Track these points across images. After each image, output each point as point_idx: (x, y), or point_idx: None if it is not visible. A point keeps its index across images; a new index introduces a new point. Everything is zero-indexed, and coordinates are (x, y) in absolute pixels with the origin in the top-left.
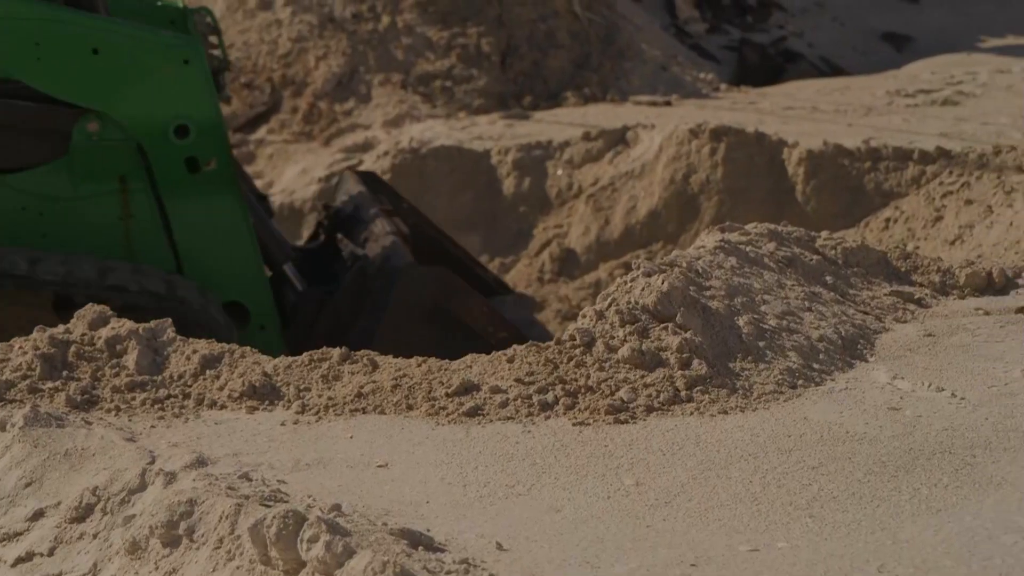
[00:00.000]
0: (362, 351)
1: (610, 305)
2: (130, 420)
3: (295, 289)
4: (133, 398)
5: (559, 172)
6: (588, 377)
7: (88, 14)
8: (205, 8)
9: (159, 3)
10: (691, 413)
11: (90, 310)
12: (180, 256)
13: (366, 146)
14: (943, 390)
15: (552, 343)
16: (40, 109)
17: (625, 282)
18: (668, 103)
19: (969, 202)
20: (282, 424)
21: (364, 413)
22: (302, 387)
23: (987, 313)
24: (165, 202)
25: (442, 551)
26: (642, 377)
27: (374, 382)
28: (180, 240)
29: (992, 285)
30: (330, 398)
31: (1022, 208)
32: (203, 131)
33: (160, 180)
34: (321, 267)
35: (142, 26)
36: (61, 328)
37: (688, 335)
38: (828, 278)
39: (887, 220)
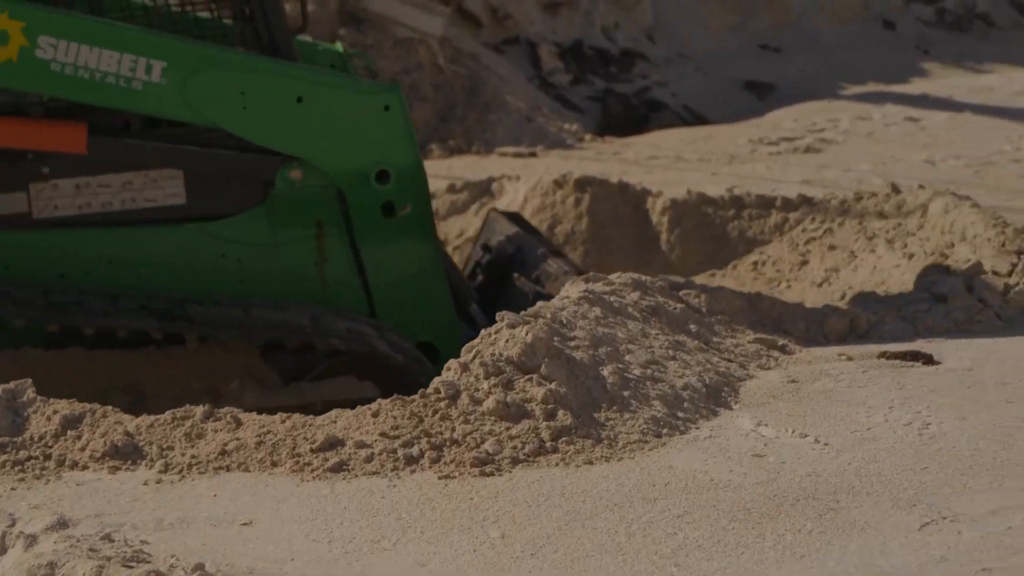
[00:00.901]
0: (225, 408)
1: (474, 357)
2: None
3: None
4: None
5: None
6: (453, 430)
7: (290, 63)
8: (362, 52)
9: (320, 47)
10: (556, 464)
11: None
12: (374, 299)
13: None
14: (806, 436)
15: (417, 396)
16: (242, 157)
17: (489, 334)
18: (533, 154)
19: (832, 247)
20: (145, 483)
21: (228, 471)
22: (165, 446)
23: (850, 359)
24: (360, 246)
25: None
26: (507, 429)
27: (238, 439)
28: (374, 284)
29: (855, 331)
30: (193, 456)
31: (884, 253)
32: (403, 176)
33: (357, 225)
34: (498, 307)
35: (343, 74)
36: None
37: (553, 386)
38: (692, 326)
39: (755, 263)
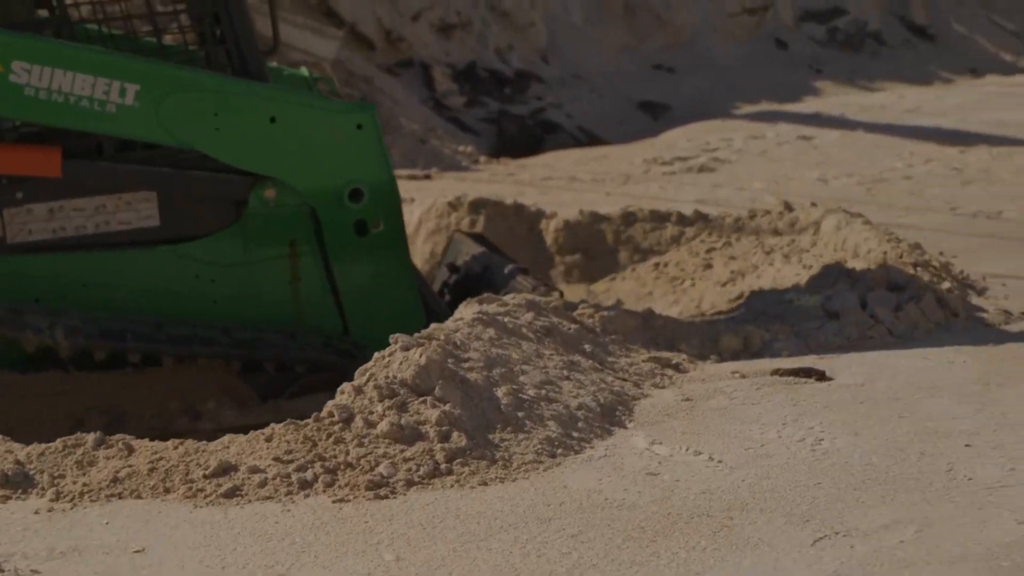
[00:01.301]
0: (118, 435)
1: (368, 380)
2: None
3: None
4: None
5: None
6: (347, 453)
7: (262, 84)
8: (327, 77)
9: (285, 72)
10: (451, 486)
11: None
12: (347, 318)
13: None
14: (700, 454)
15: (311, 420)
16: (216, 178)
17: (383, 356)
18: (428, 176)
19: (733, 258)
20: (36, 512)
21: (120, 498)
22: (56, 474)
23: (744, 376)
24: (333, 265)
25: None
26: (401, 452)
27: (130, 466)
28: (347, 302)
29: (748, 348)
30: (85, 484)
31: (783, 265)
32: (376, 194)
33: (330, 243)
34: None
35: (314, 94)
36: None
37: (447, 408)
38: (586, 346)
39: (656, 264)
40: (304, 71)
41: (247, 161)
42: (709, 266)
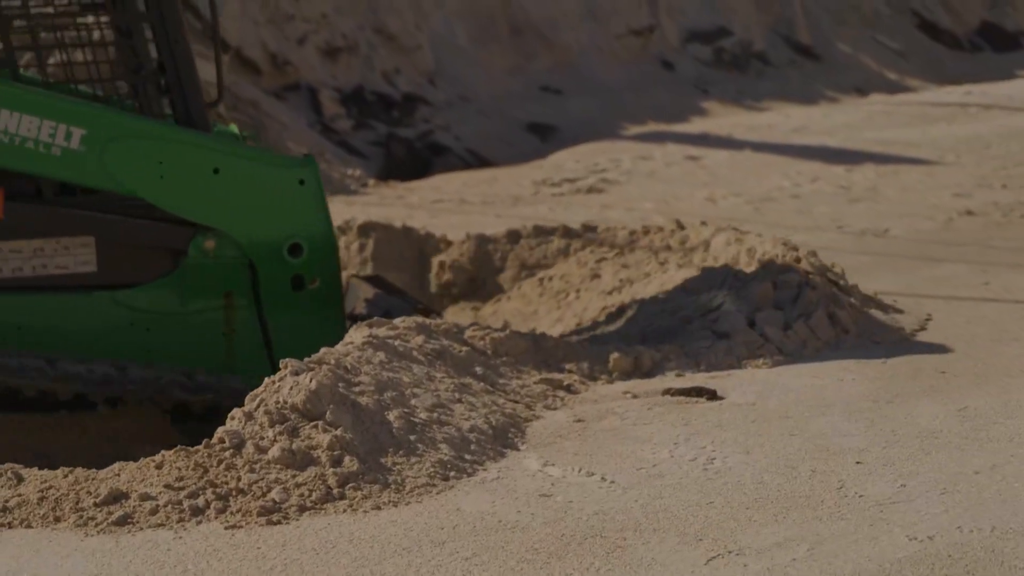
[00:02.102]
0: (6, 464)
1: (259, 406)
2: None
3: None
4: None
5: None
6: (239, 479)
7: (207, 135)
8: (255, 134)
9: (216, 128)
10: (344, 511)
11: None
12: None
13: None
14: (593, 474)
15: (201, 447)
16: (156, 226)
17: (273, 382)
18: None
19: (625, 266)
20: None
21: (10, 528)
22: None
23: (635, 396)
24: (267, 318)
25: None
26: (293, 477)
27: (19, 495)
28: (279, 355)
29: (640, 368)
30: None
31: (676, 273)
32: (315, 250)
33: (265, 297)
34: None
35: (258, 147)
36: None
37: (338, 432)
38: (478, 369)
39: (541, 280)
40: (234, 127)
41: (189, 211)
42: (597, 276)
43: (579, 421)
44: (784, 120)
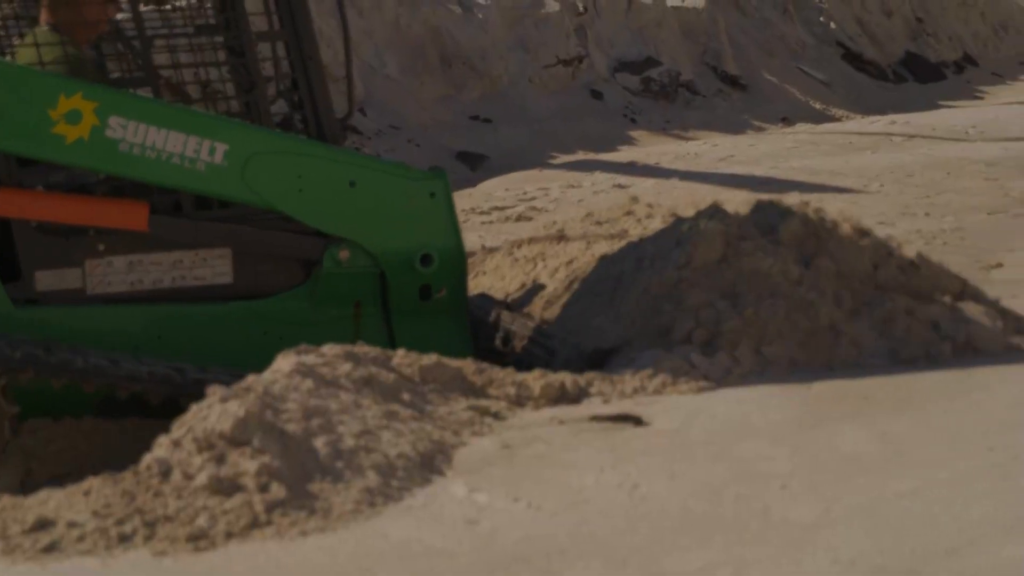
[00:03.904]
0: None
1: (186, 433)
2: None
3: None
4: None
5: None
6: (166, 506)
7: (341, 148)
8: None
9: None
10: (271, 537)
11: None
12: None
13: None
14: (519, 500)
15: (128, 474)
16: (292, 238)
17: (200, 408)
18: None
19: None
20: None
21: None
22: None
23: (562, 422)
24: (395, 327)
25: None
26: (221, 503)
27: None
28: None
29: (566, 395)
30: None
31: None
32: (445, 260)
33: (394, 306)
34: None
35: (392, 161)
36: None
37: (265, 459)
38: (405, 395)
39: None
40: None
41: (326, 223)
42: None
43: (506, 447)
44: (711, 149)
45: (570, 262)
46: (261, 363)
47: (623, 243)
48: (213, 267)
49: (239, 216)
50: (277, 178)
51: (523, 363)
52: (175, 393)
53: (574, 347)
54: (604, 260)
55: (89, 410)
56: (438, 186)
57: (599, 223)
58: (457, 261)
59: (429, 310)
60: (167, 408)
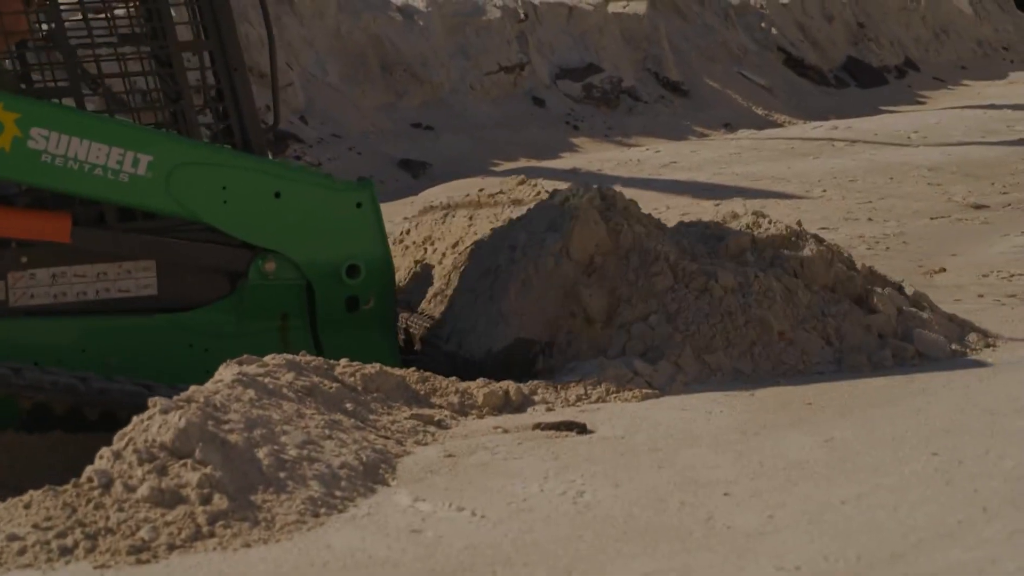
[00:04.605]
0: None
1: (127, 444)
2: None
3: None
4: None
5: None
6: (108, 519)
7: (267, 159)
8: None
9: None
10: (214, 548)
11: None
12: None
13: None
14: (463, 509)
15: (69, 486)
16: (217, 249)
17: (142, 420)
18: None
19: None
20: None
21: None
22: None
23: (506, 431)
24: (322, 339)
25: None
26: (163, 515)
27: None
28: None
29: (509, 403)
30: None
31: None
32: (372, 271)
33: (320, 318)
34: None
35: (317, 171)
36: None
37: (208, 470)
38: (348, 405)
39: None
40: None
41: (252, 234)
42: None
43: (449, 456)
44: (653, 155)
45: (455, 244)
46: (187, 376)
47: (501, 224)
48: (137, 279)
49: (164, 228)
50: (201, 189)
51: (425, 367)
52: (79, 403)
53: (465, 353)
54: (480, 249)
55: (15, 424)
56: (364, 196)
57: (491, 195)
58: (384, 272)
59: (357, 321)
60: (104, 423)
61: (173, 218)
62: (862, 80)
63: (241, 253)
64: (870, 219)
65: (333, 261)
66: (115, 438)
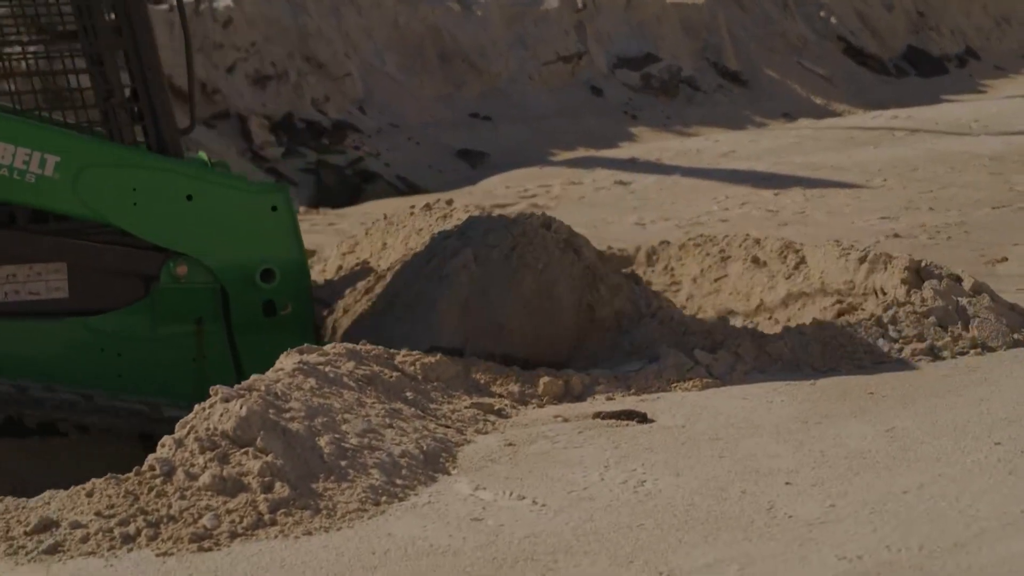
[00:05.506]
0: None
1: (189, 432)
2: None
3: None
4: None
5: None
6: (170, 507)
7: (180, 161)
8: (224, 161)
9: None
10: (275, 536)
11: None
12: None
13: None
14: (524, 498)
15: (132, 474)
16: (128, 252)
17: (203, 408)
18: None
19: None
20: None
21: None
22: None
23: (566, 420)
24: (238, 343)
25: None
26: (224, 503)
27: None
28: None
29: (570, 392)
30: None
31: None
32: (287, 276)
33: (237, 322)
34: None
35: (231, 174)
36: None
37: (269, 458)
38: (408, 394)
39: None
40: (203, 155)
41: (162, 237)
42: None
43: (510, 445)
44: (713, 145)
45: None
46: (96, 380)
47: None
48: (48, 281)
49: (75, 230)
50: (111, 191)
51: None
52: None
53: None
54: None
55: None
56: (280, 199)
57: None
58: (300, 276)
59: (274, 326)
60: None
61: (85, 220)
62: (922, 69)
63: (152, 256)
64: (931, 208)
65: (247, 265)
66: (176, 426)
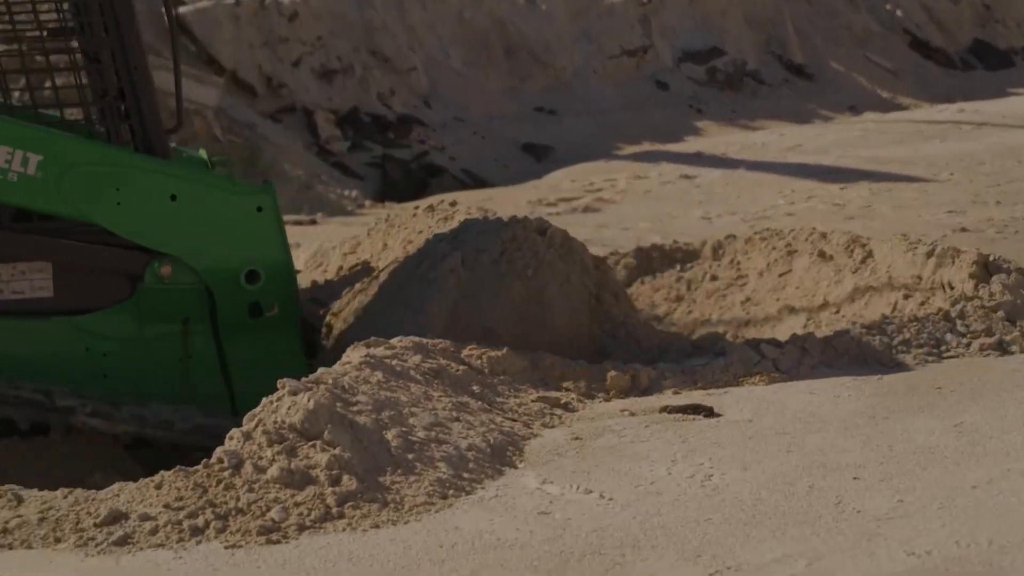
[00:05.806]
0: (6, 486)
1: (257, 425)
2: None
3: None
4: None
5: None
6: (238, 499)
7: (165, 161)
8: (225, 159)
9: (184, 154)
10: (343, 529)
11: None
12: (236, 398)
13: None
14: (591, 492)
15: (200, 467)
16: (112, 252)
17: (271, 401)
18: (313, 222)
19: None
20: None
21: (11, 549)
22: None
23: (632, 414)
24: (225, 344)
25: None
26: (292, 496)
27: (20, 516)
28: (237, 383)
29: (637, 386)
30: None
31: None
32: (272, 277)
33: (223, 323)
34: None
35: (216, 173)
36: None
37: (337, 451)
38: (475, 387)
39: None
40: (203, 153)
41: (146, 237)
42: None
43: (577, 439)
44: (778, 139)
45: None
46: (82, 379)
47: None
48: (32, 281)
49: (60, 229)
50: (95, 191)
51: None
52: None
53: None
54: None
55: None
56: (265, 200)
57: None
58: (286, 277)
59: (260, 327)
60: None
61: (70, 219)
62: (989, 62)
63: (137, 256)
64: (998, 202)
65: (231, 266)
66: (244, 419)
